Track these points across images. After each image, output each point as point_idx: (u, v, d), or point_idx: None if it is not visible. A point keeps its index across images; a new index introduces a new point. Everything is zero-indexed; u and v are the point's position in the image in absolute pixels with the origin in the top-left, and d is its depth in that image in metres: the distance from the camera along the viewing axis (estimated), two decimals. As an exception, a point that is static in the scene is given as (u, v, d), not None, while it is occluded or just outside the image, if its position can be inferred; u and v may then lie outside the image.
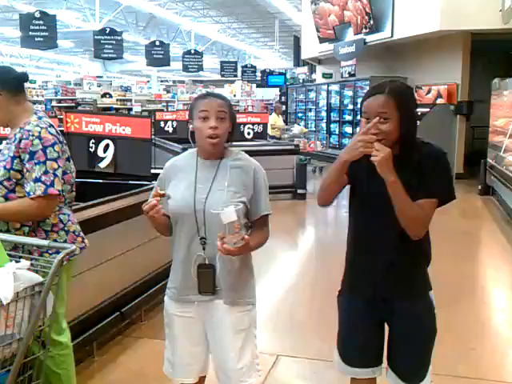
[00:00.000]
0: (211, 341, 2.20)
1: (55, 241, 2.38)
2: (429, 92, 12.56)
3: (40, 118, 2.40)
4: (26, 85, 2.66)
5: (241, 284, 2.17)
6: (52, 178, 2.26)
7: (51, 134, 2.34)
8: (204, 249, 2.08)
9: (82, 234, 2.55)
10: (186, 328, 2.20)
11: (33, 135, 2.28)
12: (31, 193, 2.24)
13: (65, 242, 2.41)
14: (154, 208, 1.98)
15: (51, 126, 2.40)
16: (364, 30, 13.45)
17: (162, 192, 2.02)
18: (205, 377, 2.34)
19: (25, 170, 2.27)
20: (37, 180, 2.24)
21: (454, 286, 4.93)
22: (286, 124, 14.59)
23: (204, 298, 2.12)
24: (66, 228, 2.44)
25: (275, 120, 12.83)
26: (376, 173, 1.89)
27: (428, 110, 11.95)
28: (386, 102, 1.90)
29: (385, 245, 2.03)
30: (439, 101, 12.15)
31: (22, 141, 2.27)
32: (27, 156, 2.26)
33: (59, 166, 2.32)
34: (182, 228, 2.11)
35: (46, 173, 2.25)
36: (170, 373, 2.27)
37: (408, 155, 1.98)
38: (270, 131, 12.99)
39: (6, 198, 2.31)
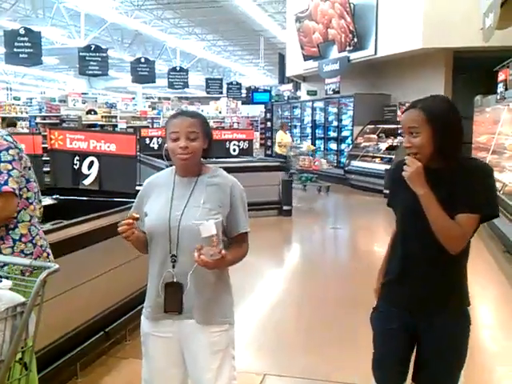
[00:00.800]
0: (187, 361, 2.15)
1: (22, 252, 2.40)
2: (412, 109, 12.70)
3: (0, 133, 2.45)
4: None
5: (216, 302, 2.13)
6: (6, 178, 2.30)
7: (6, 141, 2.39)
8: (174, 266, 2.06)
9: (48, 250, 2.55)
10: (161, 348, 2.15)
11: None
12: None
13: (31, 254, 2.43)
14: (128, 230, 2.00)
15: (9, 135, 2.47)
16: (348, 48, 13.61)
17: (137, 216, 2.04)
18: None
19: None
20: None
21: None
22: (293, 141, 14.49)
23: (175, 317, 2.09)
24: (33, 241, 2.46)
25: (282, 137, 12.79)
26: (409, 186, 1.92)
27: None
28: (416, 117, 1.92)
29: (420, 257, 2.01)
30: (423, 117, 12.28)
31: None
32: None
33: (14, 168, 2.35)
34: (157, 245, 2.10)
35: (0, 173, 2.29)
36: None
37: (447, 169, 1.95)
38: (277, 149, 12.95)
39: None
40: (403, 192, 2.01)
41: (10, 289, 1.65)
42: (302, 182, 12.50)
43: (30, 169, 2.52)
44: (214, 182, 2.11)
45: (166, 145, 2.12)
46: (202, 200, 2.06)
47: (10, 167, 2.33)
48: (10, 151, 2.36)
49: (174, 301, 2.06)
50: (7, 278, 1.78)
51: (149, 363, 2.19)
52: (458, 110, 1.99)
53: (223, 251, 1.94)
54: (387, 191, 2.26)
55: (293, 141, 14.85)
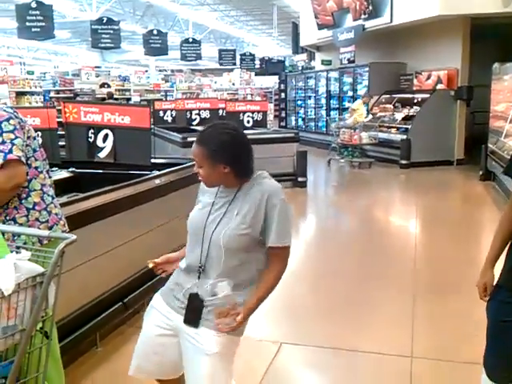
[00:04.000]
0: (182, 352, 2.11)
1: (37, 220, 2.43)
2: (429, 78, 12.50)
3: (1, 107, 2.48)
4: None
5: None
6: (10, 147, 2.32)
7: (6, 112, 2.41)
8: (199, 277, 2.04)
9: (64, 219, 2.57)
10: (161, 326, 2.14)
11: None
12: None
13: (46, 222, 2.47)
14: (161, 272, 2.24)
15: (10, 107, 2.50)
16: (363, 16, 13.35)
17: (151, 266, 2.21)
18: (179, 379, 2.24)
19: None
20: None
21: (454, 271, 4.93)
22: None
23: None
24: (48, 209, 2.49)
25: (358, 107, 12.17)
26: None
27: (428, 95, 11.91)
28: None
29: None
30: (439, 86, 12.10)
31: None
32: None
33: (17, 137, 2.36)
34: (192, 246, 2.11)
35: (3, 143, 2.31)
36: (133, 369, 2.19)
37: None
38: (349, 116, 12.05)
39: None
40: None
41: (29, 259, 1.67)
42: (344, 157, 12.03)
43: (34, 138, 2.54)
44: (252, 192, 2.02)
45: None
46: (236, 211, 2.00)
47: (12, 136, 2.35)
48: (11, 121, 2.38)
49: (193, 315, 2.04)
50: (24, 247, 1.80)
51: (143, 334, 2.20)
52: None
53: (238, 317, 1.96)
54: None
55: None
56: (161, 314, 2.15)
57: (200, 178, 2.06)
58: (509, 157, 8.02)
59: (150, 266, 2.18)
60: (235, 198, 2.03)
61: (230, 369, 2.10)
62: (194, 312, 2.03)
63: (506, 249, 2.02)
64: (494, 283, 2.04)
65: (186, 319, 2.05)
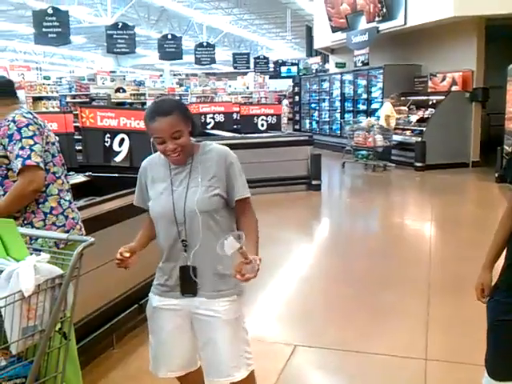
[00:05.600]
0: (197, 333, 2.18)
1: (54, 224, 2.49)
2: (443, 79, 12.43)
3: (20, 111, 2.52)
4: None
5: (221, 275, 2.13)
6: (28, 152, 2.37)
7: (25, 118, 2.46)
8: (185, 251, 2.10)
9: (80, 223, 2.62)
10: (170, 316, 2.19)
11: (8, 121, 2.43)
12: (15, 169, 2.38)
13: (63, 226, 2.52)
14: (121, 264, 2.14)
15: (29, 113, 2.54)
16: (377, 18, 13.33)
17: (127, 255, 2.12)
18: (197, 372, 2.31)
19: (8, 154, 2.41)
20: (17, 157, 2.37)
21: (470, 274, 4.89)
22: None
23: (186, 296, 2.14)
24: (65, 213, 2.55)
25: (392, 111, 11.83)
26: None
27: (443, 97, 11.84)
28: None
29: None
30: (454, 88, 12.03)
31: (1, 129, 2.43)
32: (7, 140, 2.40)
33: (36, 143, 2.42)
34: (165, 231, 2.15)
35: (22, 148, 2.37)
36: (155, 369, 2.24)
37: None
38: (382, 121, 11.71)
39: (2, 185, 2.46)
40: None
41: (48, 262, 1.71)
42: (359, 159, 11.97)
43: (53, 144, 2.59)
44: (207, 158, 2.12)
45: (151, 139, 2.09)
46: (200, 178, 2.08)
47: (31, 142, 2.40)
48: (30, 127, 2.43)
49: (190, 284, 2.12)
50: (40, 250, 1.85)
51: (157, 335, 2.22)
52: None
53: (256, 256, 1.94)
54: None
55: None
56: (166, 310, 2.19)
57: (174, 154, 2.04)
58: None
59: (127, 254, 2.12)
60: (192, 169, 2.11)
61: (244, 334, 2.20)
62: (188, 282, 2.12)
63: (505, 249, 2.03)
64: (493, 283, 2.06)
65: (183, 290, 2.13)
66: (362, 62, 14.52)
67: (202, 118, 10.91)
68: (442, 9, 10.96)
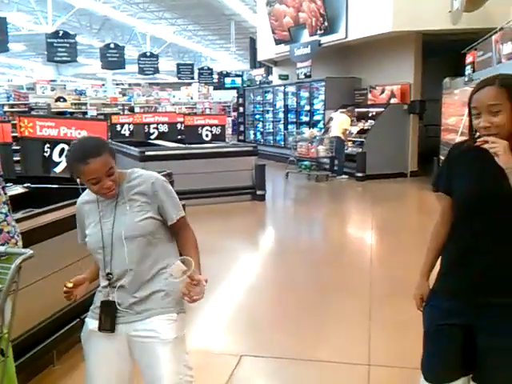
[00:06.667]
0: (136, 356, 2.13)
1: None
2: (383, 92, 12.82)
3: None
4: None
5: (156, 294, 2.11)
6: None
7: None
8: (109, 284, 2.11)
9: (17, 237, 2.55)
10: (107, 341, 2.12)
11: None
12: None
13: None
14: (71, 297, 2.10)
15: None
16: (319, 32, 13.62)
17: (70, 285, 2.08)
18: None
19: None
20: None
21: (409, 278, 5.04)
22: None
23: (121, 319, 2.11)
24: None
25: (348, 123, 12.07)
26: (483, 169, 1.82)
27: (382, 109, 12.20)
28: (497, 94, 1.78)
29: (485, 245, 1.89)
30: (393, 100, 12.42)
31: None
32: None
33: None
34: (99, 262, 2.15)
35: None
36: None
37: None
38: (338, 133, 11.90)
39: None
40: (473, 175, 1.90)
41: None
42: (302, 170, 12.18)
43: None
44: (133, 186, 2.11)
45: (78, 180, 2.05)
46: (127, 206, 2.08)
47: None
48: None
49: (106, 320, 2.09)
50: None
51: (91, 360, 2.15)
52: None
53: (201, 277, 1.94)
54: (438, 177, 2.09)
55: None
56: (102, 333, 2.13)
57: (111, 190, 2.04)
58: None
59: (70, 285, 2.08)
60: (119, 199, 2.09)
61: (185, 345, 2.18)
62: (108, 318, 2.09)
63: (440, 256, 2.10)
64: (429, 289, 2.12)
65: (101, 327, 2.09)
66: (305, 74, 14.78)
67: (146, 128, 10.81)
68: (381, 24, 11.33)
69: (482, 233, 1.89)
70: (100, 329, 2.09)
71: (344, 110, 12.34)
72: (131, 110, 15.62)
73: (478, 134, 1.85)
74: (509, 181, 1.75)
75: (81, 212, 2.22)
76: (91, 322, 2.17)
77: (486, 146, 1.78)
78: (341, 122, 11.93)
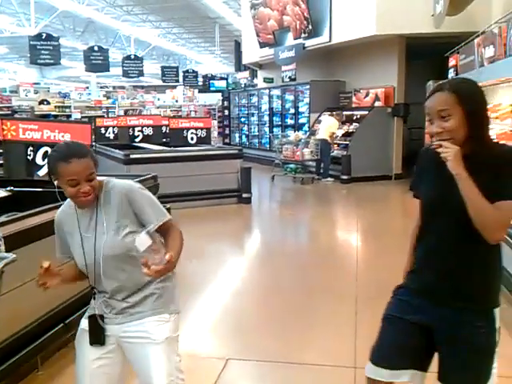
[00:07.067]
0: (128, 357, 2.14)
1: None
2: (367, 95, 12.89)
3: None
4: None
5: (149, 297, 2.12)
6: None
7: None
8: (94, 298, 2.13)
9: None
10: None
11: None
12: None
13: None
14: (44, 285, 2.00)
15: None
16: (303, 35, 13.67)
17: (46, 265, 1.96)
18: None
19: None
20: None
21: (394, 280, 5.06)
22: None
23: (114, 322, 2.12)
24: None
25: (336, 126, 12.15)
26: (439, 174, 1.86)
27: (366, 112, 12.27)
28: (447, 99, 1.81)
29: (445, 248, 1.93)
30: (377, 104, 12.49)
31: None
32: None
33: None
34: (88, 275, 2.15)
35: None
36: None
37: (480, 155, 1.83)
38: (325, 135, 11.99)
39: None
40: (434, 179, 1.95)
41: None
42: (288, 172, 12.20)
43: None
44: (109, 199, 2.08)
45: (56, 182, 2.03)
46: (105, 223, 2.05)
47: None
48: None
49: (96, 334, 2.10)
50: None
51: (81, 361, 2.15)
52: (483, 93, 1.89)
53: (167, 254, 1.86)
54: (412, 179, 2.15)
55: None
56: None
57: (87, 197, 2.00)
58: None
59: (45, 265, 1.97)
60: (98, 212, 2.07)
61: (177, 347, 2.17)
62: (95, 331, 2.10)
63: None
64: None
65: (91, 339, 2.09)
66: (290, 77, 14.82)
67: (131, 131, 10.76)
68: (364, 27, 11.40)
69: (442, 236, 1.95)
70: (91, 343, 2.10)
71: (333, 113, 12.39)
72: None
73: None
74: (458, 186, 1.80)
75: (60, 226, 2.19)
76: (84, 322, 2.19)
77: (439, 150, 1.82)
78: (329, 126, 12.00)
